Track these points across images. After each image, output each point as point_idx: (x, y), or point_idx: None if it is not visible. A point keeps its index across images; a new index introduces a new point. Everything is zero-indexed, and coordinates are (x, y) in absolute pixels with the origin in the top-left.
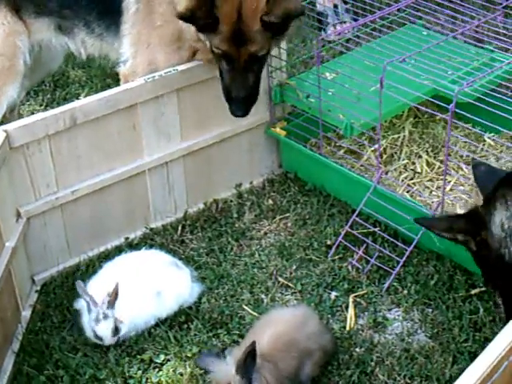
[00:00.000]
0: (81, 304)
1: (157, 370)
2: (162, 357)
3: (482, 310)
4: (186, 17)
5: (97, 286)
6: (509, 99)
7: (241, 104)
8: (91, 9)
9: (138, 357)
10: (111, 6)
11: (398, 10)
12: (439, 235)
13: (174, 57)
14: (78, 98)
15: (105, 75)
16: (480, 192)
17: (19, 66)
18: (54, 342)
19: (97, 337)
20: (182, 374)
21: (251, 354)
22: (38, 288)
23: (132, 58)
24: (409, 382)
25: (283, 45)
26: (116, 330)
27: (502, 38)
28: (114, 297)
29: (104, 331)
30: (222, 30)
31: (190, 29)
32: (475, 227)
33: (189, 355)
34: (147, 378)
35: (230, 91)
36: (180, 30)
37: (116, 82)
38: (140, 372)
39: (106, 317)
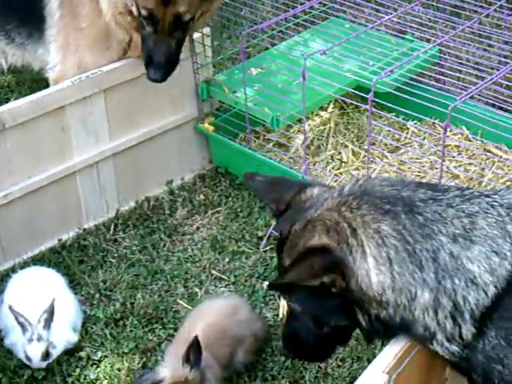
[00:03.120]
0: (4, 323)
1: (95, 366)
2: (100, 354)
3: None
4: None
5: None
6: (430, 87)
7: (159, 69)
8: (11, 17)
9: (76, 355)
10: (33, 14)
11: (323, 4)
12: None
13: (102, 57)
14: (7, 103)
15: (34, 79)
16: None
17: None
18: None
19: (27, 357)
20: (119, 370)
21: (195, 346)
22: None
23: (60, 63)
24: (340, 363)
25: (208, 41)
26: (47, 355)
27: (422, 28)
28: (50, 314)
29: (34, 353)
30: None
31: (118, 26)
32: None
33: (126, 351)
34: (85, 375)
35: (151, 55)
36: (107, 30)
37: (46, 86)
38: (78, 370)
39: (39, 339)
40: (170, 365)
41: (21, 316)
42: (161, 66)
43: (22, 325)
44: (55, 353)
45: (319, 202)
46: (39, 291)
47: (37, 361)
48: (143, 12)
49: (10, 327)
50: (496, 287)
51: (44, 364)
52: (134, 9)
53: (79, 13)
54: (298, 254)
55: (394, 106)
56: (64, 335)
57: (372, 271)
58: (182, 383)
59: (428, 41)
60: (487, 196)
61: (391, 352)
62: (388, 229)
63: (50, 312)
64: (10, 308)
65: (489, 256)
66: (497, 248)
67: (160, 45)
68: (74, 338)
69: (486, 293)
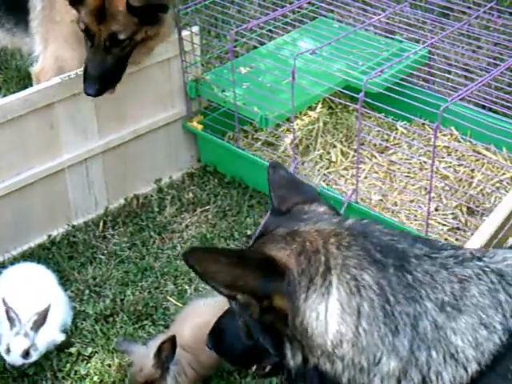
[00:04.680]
0: None
1: (85, 362)
2: (90, 349)
3: None
4: None
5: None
6: (419, 88)
7: (93, 82)
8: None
9: (66, 350)
10: (18, 4)
11: (311, 4)
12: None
13: (79, 53)
14: None
15: (21, 77)
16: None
17: None
18: None
19: (8, 350)
20: (109, 366)
21: (170, 346)
22: None
23: (41, 55)
24: None
25: (197, 40)
26: (27, 354)
27: (411, 28)
28: (42, 320)
29: (17, 346)
30: (88, 4)
31: (74, 14)
32: (268, 285)
33: (116, 347)
34: (76, 371)
35: (86, 68)
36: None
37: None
38: (69, 365)
39: (26, 335)
40: (145, 350)
41: (13, 311)
42: (94, 80)
43: (11, 319)
44: (35, 355)
45: (316, 219)
46: (30, 288)
47: (16, 355)
48: (81, 25)
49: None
50: (479, 364)
51: (20, 362)
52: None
53: (54, 6)
54: (257, 254)
55: (384, 106)
56: (49, 337)
57: (332, 317)
58: (138, 371)
59: (417, 42)
60: (479, 259)
61: None
62: (370, 280)
63: (43, 317)
64: (3, 301)
65: (476, 328)
66: (486, 320)
67: (94, 60)
68: (60, 337)
69: (465, 369)
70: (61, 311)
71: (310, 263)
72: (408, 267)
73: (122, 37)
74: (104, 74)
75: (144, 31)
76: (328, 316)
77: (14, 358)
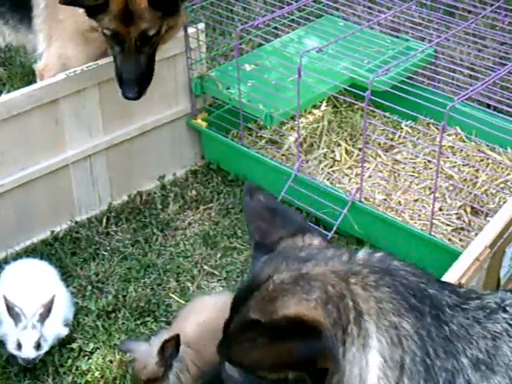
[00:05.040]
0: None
1: (86, 358)
2: (92, 345)
3: None
4: (69, 1)
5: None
6: (425, 87)
7: (132, 86)
8: (4, 0)
9: (68, 346)
10: (22, 1)
11: (317, 2)
12: None
13: (82, 50)
14: None
15: (25, 73)
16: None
17: None
18: None
19: (19, 346)
20: (111, 361)
21: (173, 344)
22: None
23: (45, 52)
24: None
25: (202, 37)
26: (38, 346)
27: (417, 27)
28: (47, 310)
29: (27, 340)
30: (111, 10)
31: (84, 20)
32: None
33: (117, 343)
34: (77, 367)
35: (122, 74)
36: (81, 24)
37: (36, 79)
38: (70, 361)
39: (34, 327)
40: (148, 347)
41: (16, 307)
42: (133, 83)
43: (16, 315)
44: (46, 346)
45: (321, 257)
46: (32, 283)
47: (29, 348)
48: (107, 32)
49: (2, 318)
50: None
51: (34, 354)
52: (99, 29)
53: (57, 5)
54: (273, 320)
55: (390, 104)
56: (55, 329)
57: (373, 372)
58: (142, 369)
59: (422, 40)
60: (504, 310)
61: None
62: (410, 329)
63: (48, 308)
64: (5, 298)
65: None
66: None
67: (129, 63)
68: (64, 331)
69: None
70: (63, 306)
71: (340, 312)
72: (444, 318)
73: (151, 33)
74: (141, 75)
75: (166, 23)
76: (369, 371)
77: (28, 352)
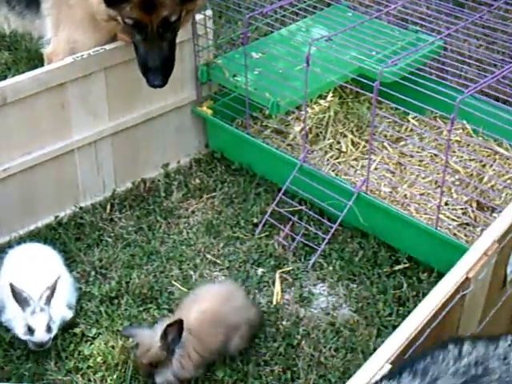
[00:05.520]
0: (3, 303)
1: (89, 343)
2: (94, 330)
3: (405, 285)
4: None
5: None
6: (434, 78)
7: (158, 73)
8: None
9: (70, 331)
10: None
11: None
12: None
13: (90, 37)
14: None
15: (31, 57)
16: None
17: None
18: None
19: (29, 330)
20: (113, 347)
21: (176, 329)
22: None
23: (53, 37)
24: (334, 353)
25: (209, 24)
26: (49, 329)
27: (426, 18)
28: (52, 292)
29: (39, 323)
30: None
31: (99, 9)
32: None
33: (120, 329)
34: (80, 351)
35: (147, 62)
36: (92, 11)
37: (42, 63)
38: (72, 345)
39: (42, 310)
40: (151, 332)
41: (23, 292)
42: (159, 70)
43: (24, 300)
44: (55, 328)
45: None
46: (36, 267)
47: (41, 332)
48: (129, 21)
49: (6, 303)
50: None
51: (46, 337)
52: (119, 18)
53: None
54: None
55: (397, 95)
56: (60, 311)
57: None
58: (144, 352)
59: (432, 32)
60: None
61: (396, 342)
62: None
63: (52, 289)
64: (11, 285)
65: None
66: None
67: (153, 50)
68: (69, 314)
69: None
70: (66, 289)
71: None
72: None
73: (172, 19)
74: (165, 61)
75: (186, 8)
76: None
77: (41, 335)
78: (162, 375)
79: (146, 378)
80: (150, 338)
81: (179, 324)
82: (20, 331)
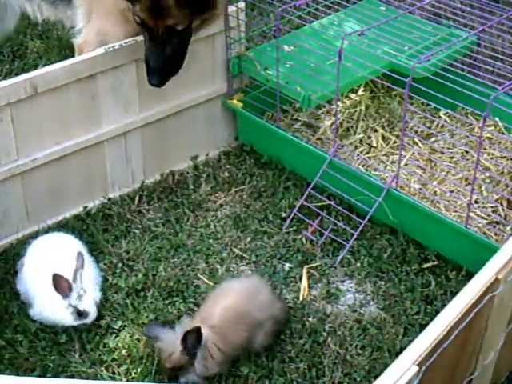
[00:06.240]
0: (25, 288)
1: (114, 335)
2: (119, 323)
3: (433, 283)
4: None
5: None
6: (466, 74)
7: (156, 74)
8: None
9: (96, 323)
10: None
11: None
12: None
13: (120, 27)
14: (36, 69)
15: (62, 46)
16: None
17: None
18: (13, 307)
19: (79, 314)
20: (138, 340)
21: (194, 336)
22: None
23: (84, 28)
24: (360, 351)
25: (242, 16)
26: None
27: (459, 13)
28: (81, 269)
29: (90, 305)
30: (142, 2)
31: (121, 3)
32: None
33: (145, 322)
34: (105, 344)
35: (148, 60)
36: (120, 2)
37: (73, 53)
38: (98, 337)
39: (85, 292)
40: (172, 336)
41: (65, 279)
42: (156, 72)
43: (67, 288)
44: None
45: None
46: (59, 256)
47: (93, 312)
48: (137, 20)
49: (36, 296)
50: None
51: (95, 316)
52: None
53: None
54: None
55: (429, 91)
56: (92, 292)
57: None
58: (167, 357)
59: (464, 27)
60: None
61: (423, 343)
62: None
63: (81, 266)
64: (56, 275)
65: None
66: None
67: (154, 52)
68: (99, 295)
69: None
70: (93, 273)
71: None
72: None
73: (179, 28)
74: (164, 64)
75: (199, 18)
76: None
77: (93, 315)
78: (186, 376)
79: (171, 381)
80: (171, 342)
81: (197, 331)
82: (68, 319)
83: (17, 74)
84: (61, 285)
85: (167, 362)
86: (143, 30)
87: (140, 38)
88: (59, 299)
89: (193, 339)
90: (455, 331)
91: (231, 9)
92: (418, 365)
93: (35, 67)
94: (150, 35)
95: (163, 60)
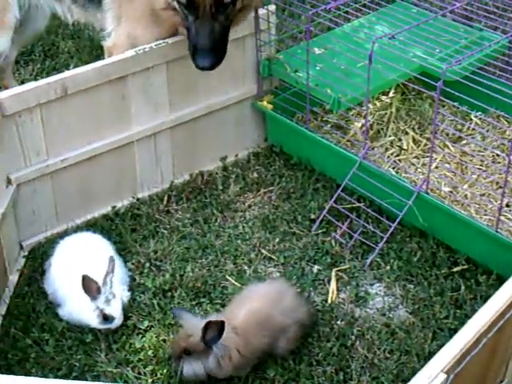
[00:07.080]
0: (53, 289)
1: (140, 336)
2: (146, 323)
3: (463, 287)
4: None
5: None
6: (497, 78)
7: (206, 55)
8: None
9: (122, 323)
10: None
11: None
12: None
13: (151, 31)
14: (67, 69)
15: (93, 47)
16: None
17: (9, 19)
18: (40, 306)
19: (105, 319)
20: (164, 341)
21: (216, 329)
22: (26, 253)
23: (113, 31)
24: (388, 356)
25: (272, 18)
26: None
27: (491, 16)
28: (112, 274)
29: (117, 310)
30: None
31: (158, 1)
32: None
33: (172, 322)
34: (131, 344)
35: (197, 42)
36: (152, 5)
37: (104, 54)
38: (124, 337)
39: (114, 296)
40: (197, 321)
41: (95, 281)
42: (208, 51)
43: (96, 290)
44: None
45: None
46: (88, 257)
47: (120, 317)
48: (183, 0)
49: (67, 296)
50: None
51: (120, 322)
52: (175, 3)
53: None
54: None
55: (459, 94)
56: (120, 294)
57: None
58: (186, 337)
59: (495, 30)
60: None
61: (451, 351)
62: None
63: (112, 270)
64: (86, 277)
65: None
66: None
67: (203, 30)
68: (127, 295)
69: None
70: (122, 273)
71: None
72: None
73: (226, 0)
74: (216, 43)
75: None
76: None
77: (118, 321)
78: (192, 365)
79: (173, 359)
80: (195, 326)
81: (220, 325)
82: (94, 321)
83: (48, 74)
84: (90, 286)
85: (183, 340)
86: (188, 10)
87: (171, 40)
88: (87, 300)
89: (214, 331)
90: (484, 339)
91: (262, 11)
92: (446, 372)
93: (66, 67)
94: (196, 14)
95: (213, 39)
